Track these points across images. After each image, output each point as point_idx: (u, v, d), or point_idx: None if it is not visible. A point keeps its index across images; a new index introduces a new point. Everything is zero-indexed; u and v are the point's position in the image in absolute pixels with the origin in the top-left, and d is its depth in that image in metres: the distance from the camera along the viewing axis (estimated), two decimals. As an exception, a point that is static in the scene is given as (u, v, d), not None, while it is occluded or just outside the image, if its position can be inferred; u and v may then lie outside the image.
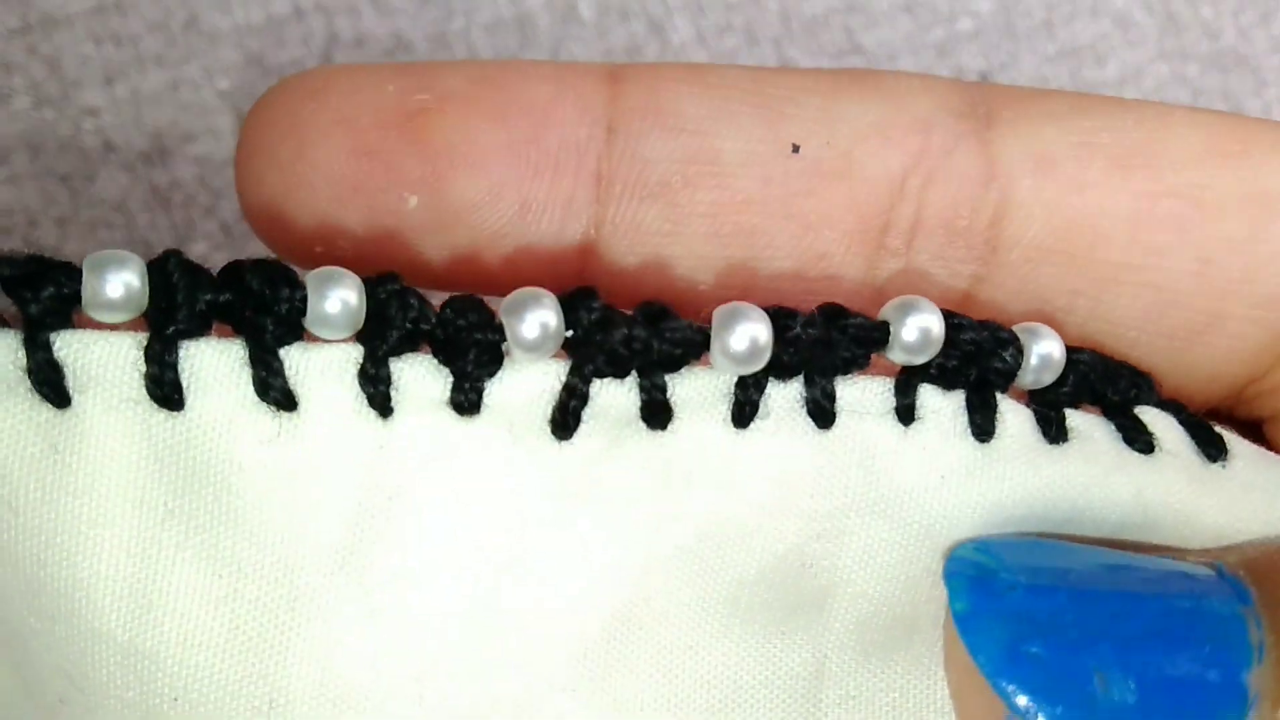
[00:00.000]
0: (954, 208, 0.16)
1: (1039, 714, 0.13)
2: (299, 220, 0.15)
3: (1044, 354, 0.15)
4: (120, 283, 0.12)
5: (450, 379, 0.13)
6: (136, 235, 0.34)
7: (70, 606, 0.13)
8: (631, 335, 0.13)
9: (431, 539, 0.13)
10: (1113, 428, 0.15)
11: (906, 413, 0.14)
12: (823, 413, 0.14)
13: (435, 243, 0.15)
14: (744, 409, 0.14)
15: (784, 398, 0.14)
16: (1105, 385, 0.15)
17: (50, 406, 0.13)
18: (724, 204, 0.16)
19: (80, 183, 0.36)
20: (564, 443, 0.14)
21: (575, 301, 0.13)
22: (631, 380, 0.14)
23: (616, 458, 0.14)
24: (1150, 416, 0.15)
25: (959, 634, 0.13)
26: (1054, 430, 0.15)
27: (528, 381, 0.13)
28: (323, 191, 0.15)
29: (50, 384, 0.13)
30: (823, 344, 0.14)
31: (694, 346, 0.14)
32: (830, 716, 0.15)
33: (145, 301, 0.13)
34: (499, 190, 0.15)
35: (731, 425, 0.14)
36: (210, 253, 0.34)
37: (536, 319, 0.13)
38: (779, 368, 0.14)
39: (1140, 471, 0.15)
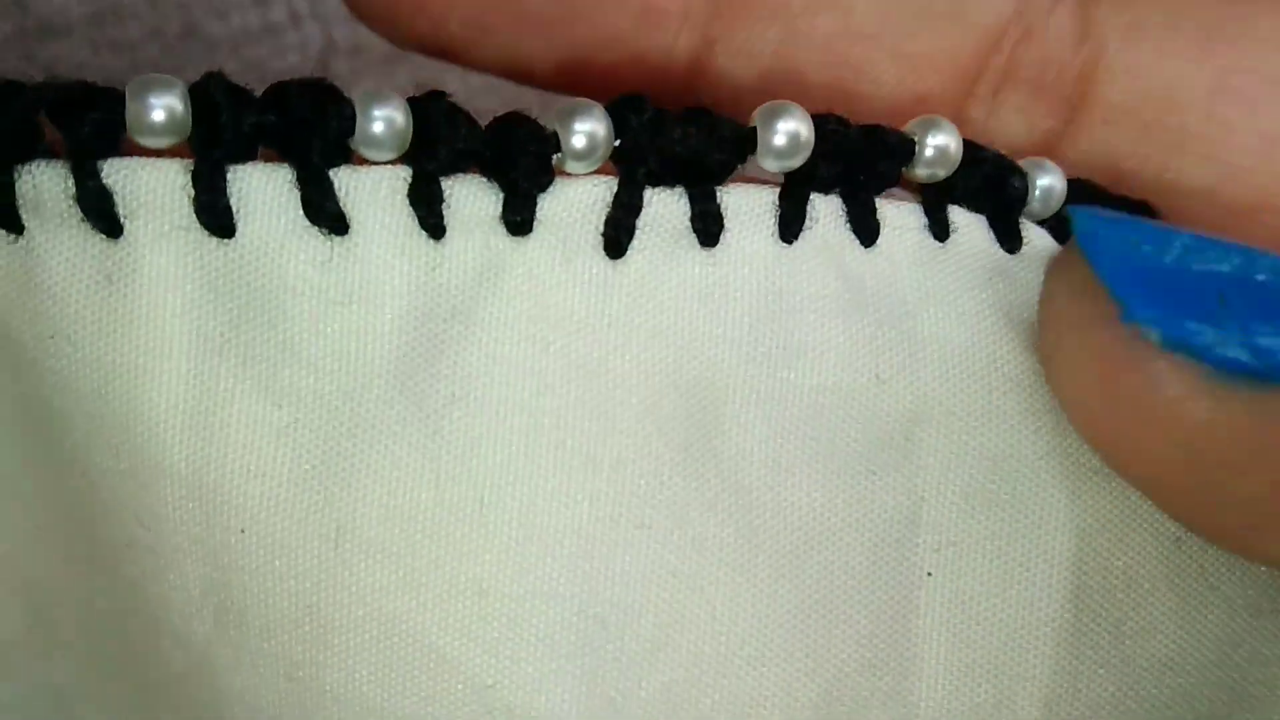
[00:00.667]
0: (1044, 64, 0.16)
1: (1158, 326, 0.12)
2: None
3: (1045, 186, 0.15)
4: (163, 107, 0.12)
5: (501, 196, 0.13)
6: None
7: (133, 440, 0.13)
8: (683, 133, 0.13)
9: (490, 360, 0.13)
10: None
11: (941, 229, 0.15)
12: (866, 228, 0.14)
13: (549, 40, 0.15)
14: (790, 222, 0.14)
15: (828, 213, 0.14)
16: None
17: (102, 236, 0.12)
18: (839, 34, 0.16)
19: None
20: (616, 261, 0.13)
21: (624, 108, 0.13)
22: (681, 191, 0.14)
23: (668, 277, 0.14)
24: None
25: (1082, 251, 0.13)
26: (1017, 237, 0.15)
27: (579, 194, 0.13)
28: None
29: (101, 212, 0.12)
30: (860, 153, 0.14)
31: (741, 143, 0.14)
32: (925, 563, 0.15)
33: (189, 125, 0.12)
34: None
35: (779, 239, 0.14)
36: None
37: (585, 128, 0.13)
38: (821, 180, 0.14)
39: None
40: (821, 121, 0.14)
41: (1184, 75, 0.16)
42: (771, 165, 0.14)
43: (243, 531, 0.13)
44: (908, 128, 0.15)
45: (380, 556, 0.14)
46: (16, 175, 0.12)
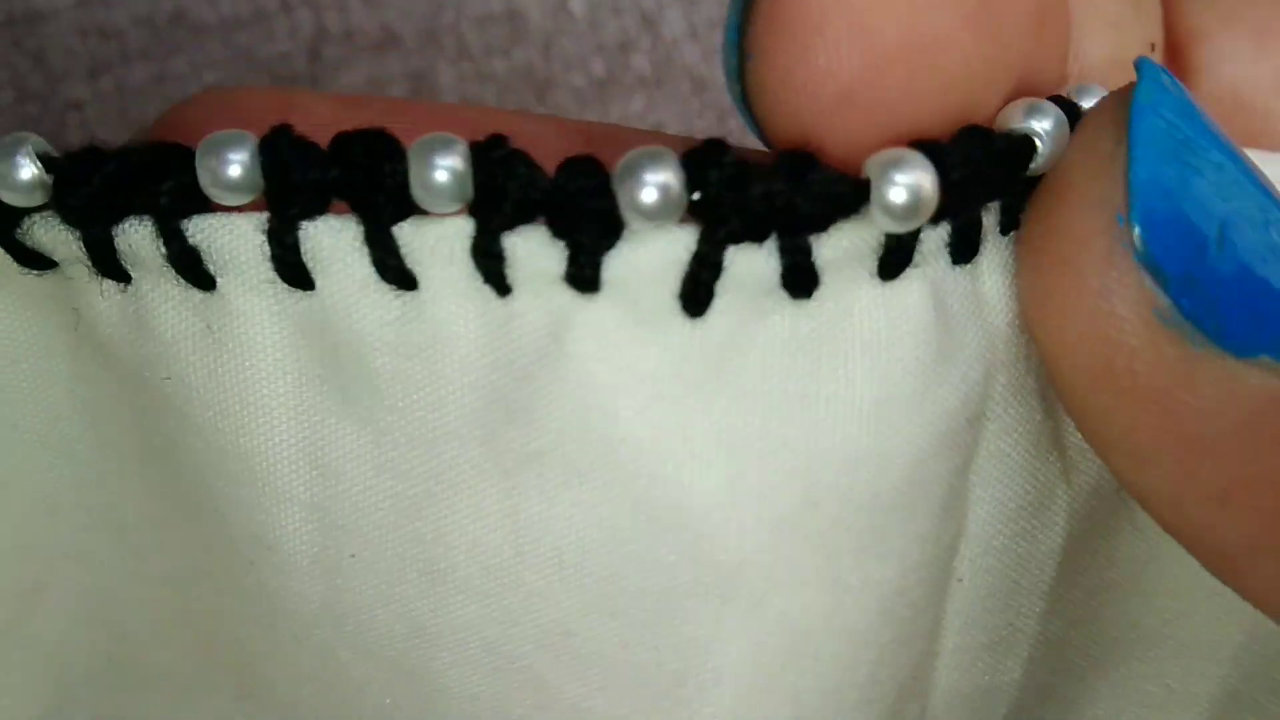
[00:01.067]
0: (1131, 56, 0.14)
1: (1152, 232, 0.12)
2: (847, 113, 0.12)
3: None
4: (236, 162, 0.12)
5: (566, 252, 0.12)
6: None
7: (252, 470, 0.14)
8: (771, 191, 0.12)
9: (562, 423, 0.13)
10: None
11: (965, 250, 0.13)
12: (966, 247, 0.13)
13: None
14: (894, 258, 0.12)
15: (931, 241, 0.13)
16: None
17: (197, 289, 0.13)
18: None
19: None
20: (696, 320, 0.12)
21: (701, 158, 0.12)
22: (771, 244, 0.12)
23: (756, 334, 0.13)
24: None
25: (1127, 122, 0.12)
26: None
27: (651, 253, 0.12)
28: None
29: (192, 269, 0.13)
30: (972, 181, 0.12)
31: (845, 200, 0.12)
32: (961, 571, 0.15)
33: (260, 182, 0.12)
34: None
35: (878, 278, 0.13)
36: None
37: (655, 180, 0.12)
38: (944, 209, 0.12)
39: None
40: (937, 157, 0.12)
41: (1246, 75, 0.16)
42: (889, 225, 0.12)
43: (353, 557, 0.14)
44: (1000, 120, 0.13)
45: (474, 595, 0.14)
46: (115, 233, 0.13)
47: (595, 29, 0.37)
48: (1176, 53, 0.16)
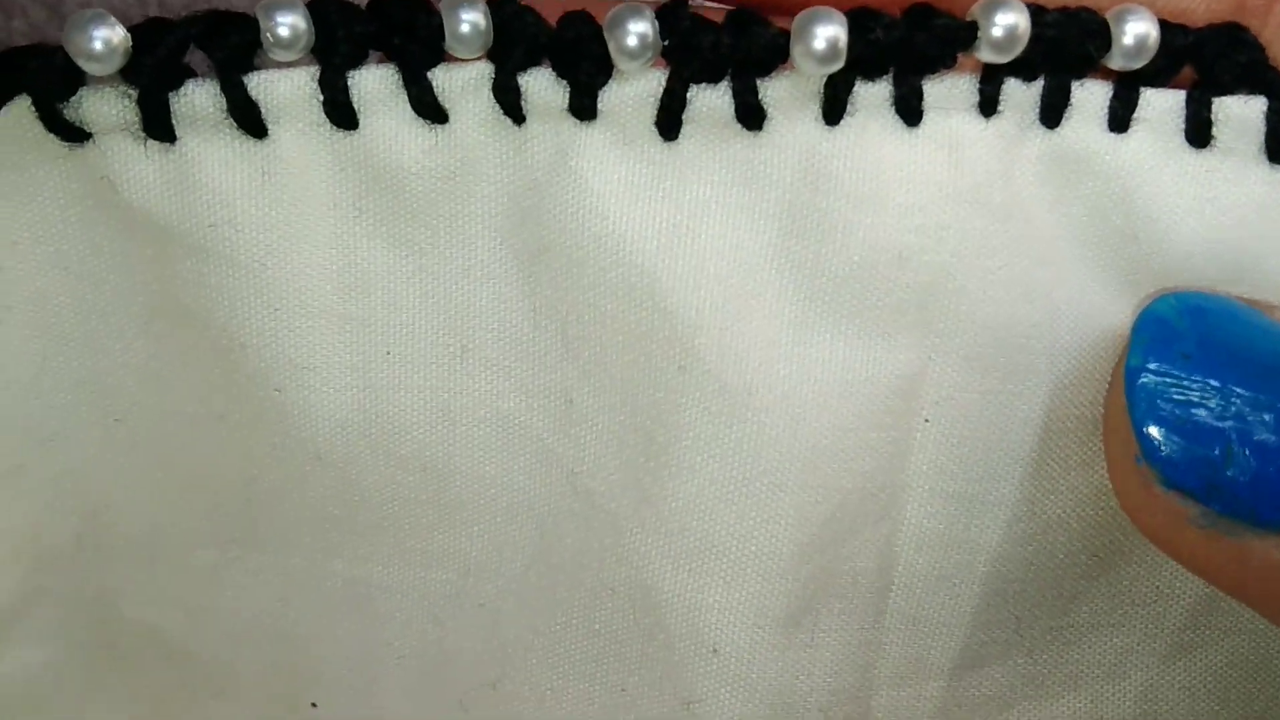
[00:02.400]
0: None
1: (1163, 468, 0.15)
2: None
3: (1139, 34, 0.15)
4: (288, 25, 0.15)
5: (568, 89, 0.15)
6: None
7: (291, 294, 0.16)
8: (719, 41, 0.15)
9: (564, 221, 0.16)
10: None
11: (988, 104, 0.15)
12: (910, 109, 0.15)
13: None
14: (833, 106, 0.15)
15: (873, 96, 0.15)
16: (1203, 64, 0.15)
17: (252, 139, 0.15)
18: None
19: None
20: (669, 143, 0.16)
21: (669, 13, 0.15)
22: (725, 84, 0.15)
23: (716, 154, 0.16)
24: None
25: (1124, 384, 0.15)
26: (1124, 111, 0.16)
27: (634, 88, 0.15)
28: None
29: (250, 119, 0.15)
30: (906, 44, 0.15)
31: (778, 50, 0.15)
32: (925, 412, 0.17)
33: (312, 39, 0.15)
34: None
35: (823, 123, 0.16)
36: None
37: (636, 30, 0.15)
38: (866, 66, 0.15)
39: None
40: (860, 18, 0.15)
41: None
42: (810, 69, 0.15)
43: (388, 353, 0.17)
44: (972, 11, 0.15)
45: (495, 368, 0.17)
46: (172, 97, 0.15)
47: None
48: None
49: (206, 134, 0.15)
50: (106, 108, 0.15)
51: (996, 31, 0.15)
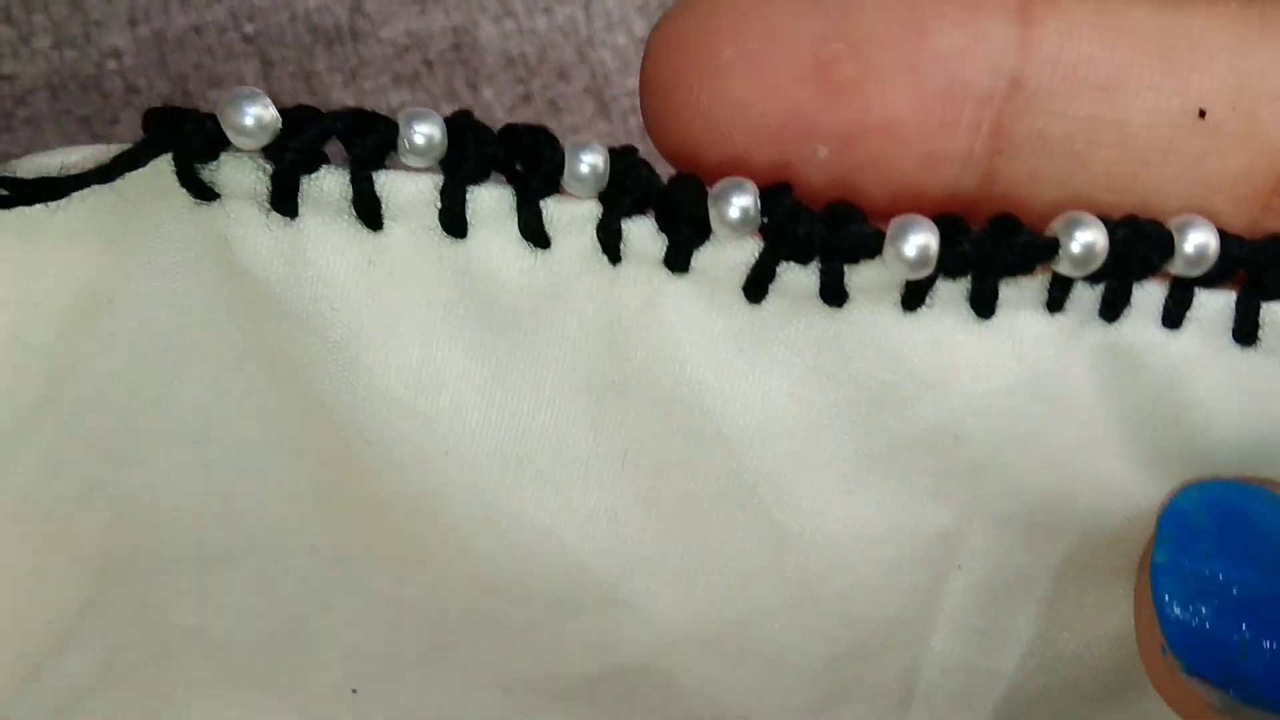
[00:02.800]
0: None
1: (1184, 658, 0.16)
2: (708, 155, 0.16)
3: (1200, 244, 0.16)
4: (425, 135, 0.15)
5: (667, 243, 0.16)
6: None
7: (369, 378, 0.17)
8: (814, 232, 0.16)
9: (645, 361, 0.17)
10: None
11: (1056, 304, 0.16)
12: (984, 307, 0.16)
13: (830, 180, 0.16)
14: (914, 298, 0.16)
15: (951, 291, 0.16)
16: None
17: (368, 230, 0.16)
18: (1124, 164, 0.16)
19: (101, 125, 0.36)
20: (754, 305, 0.17)
21: (771, 195, 0.16)
22: (814, 265, 0.16)
23: (796, 322, 0.17)
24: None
25: (1150, 577, 0.16)
26: (1176, 311, 0.17)
27: (728, 254, 0.16)
28: (738, 138, 0.16)
29: (369, 212, 0.16)
30: (990, 256, 0.16)
31: (869, 249, 0.16)
32: (960, 561, 0.19)
33: (443, 151, 0.16)
34: (906, 144, 0.16)
35: (901, 310, 0.16)
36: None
37: (739, 203, 0.16)
38: (950, 269, 0.16)
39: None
40: (951, 229, 0.15)
41: None
42: (899, 270, 0.16)
43: (446, 453, 0.18)
44: (1053, 226, 0.16)
45: (545, 481, 0.18)
46: (305, 180, 0.16)
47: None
48: None
49: (326, 217, 0.16)
50: (241, 176, 0.16)
51: (1076, 249, 0.16)
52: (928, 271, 0.16)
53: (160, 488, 0.20)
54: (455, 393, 0.17)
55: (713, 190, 0.16)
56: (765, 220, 0.16)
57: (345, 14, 0.37)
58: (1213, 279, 0.16)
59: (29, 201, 0.16)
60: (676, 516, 0.18)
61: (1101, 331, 0.17)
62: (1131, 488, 0.18)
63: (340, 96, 0.38)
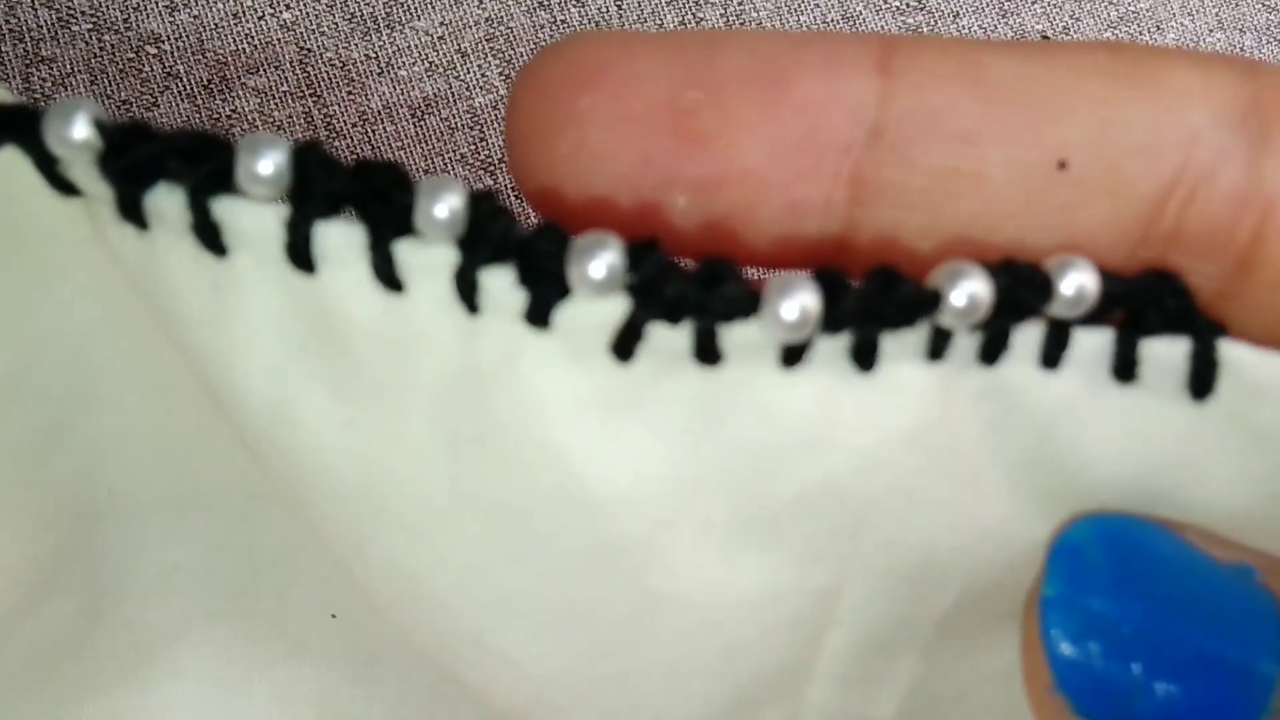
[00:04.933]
0: (1211, 227, 0.15)
1: (1074, 698, 0.15)
2: (571, 201, 0.16)
3: (1079, 285, 0.15)
4: (270, 163, 0.14)
5: (528, 297, 0.15)
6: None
7: (227, 397, 0.17)
8: (686, 293, 0.15)
9: (505, 417, 0.16)
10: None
11: (936, 353, 0.16)
12: (865, 358, 0.15)
13: (695, 228, 0.16)
14: (793, 354, 0.15)
15: (831, 348, 0.15)
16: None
17: (211, 255, 0.15)
18: (985, 215, 0.15)
19: (140, 110, 0.36)
20: (622, 364, 0.15)
21: (638, 251, 0.15)
22: (686, 324, 0.15)
23: (668, 382, 0.15)
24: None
25: (1039, 612, 0.15)
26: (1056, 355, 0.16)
27: (591, 313, 0.15)
28: (598, 184, 0.15)
29: (210, 238, 0.15)
30: (871, 311, 0.15)
31: (744, 309, 0.15)
32: (840, 616, 0.18)
33: (288, 181, 0.14)
34: (766, 194, 0.15)
35: (779, 368, 0.15)
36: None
37: (603, 260, 0.14)
38: (830, 326, 0.15)
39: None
40: (831, 287, 0.15)
41: None
42: (778, 333, 0.15)
43: (308, 484, 0.17)
44: (933, 277, 0.15)
45: (405, 529, 0.17)
46: (144, 195, 0.15)
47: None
48: (1277, 205, 0.15)
49: (174, 236, 0.15)
50: (88, 183, 0.15)
51: (960, 302, 0.15)
52: (807, 333, 0.15)
53: (129, 432, 0.19)
54: (311, 432, 0.16)
55: (575, 244, 0.15)
56: (632, 278, 0.15)
57: (381, 3, 0.37)
58: (1092, 317, 0.16)
59: None
60: (546, 575, 0.17)
61: (981, 375, 0.16)
62: (1017, 531, 0.17)
63: (375, 85, 0.37)
